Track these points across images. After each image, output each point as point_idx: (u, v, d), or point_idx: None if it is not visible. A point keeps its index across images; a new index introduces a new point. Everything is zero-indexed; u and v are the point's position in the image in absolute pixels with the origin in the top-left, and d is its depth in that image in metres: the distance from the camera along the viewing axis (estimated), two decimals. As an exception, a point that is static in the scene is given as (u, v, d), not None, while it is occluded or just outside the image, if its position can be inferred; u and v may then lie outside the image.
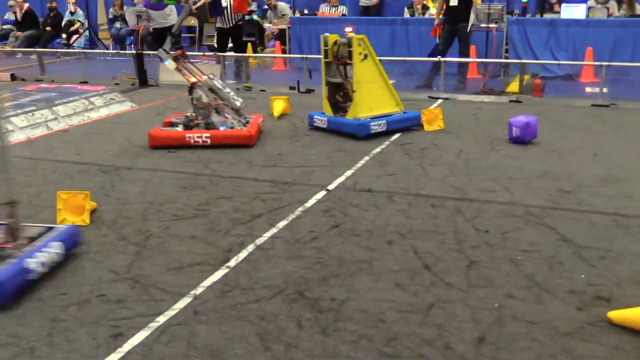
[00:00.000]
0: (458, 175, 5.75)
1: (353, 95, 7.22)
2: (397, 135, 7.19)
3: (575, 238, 4.33)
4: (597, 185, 5.44)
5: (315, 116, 7.61)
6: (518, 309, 3.45)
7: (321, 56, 7.52)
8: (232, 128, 7.04)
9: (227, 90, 7.20)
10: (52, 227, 4.14)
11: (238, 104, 7.15)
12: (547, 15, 12.40)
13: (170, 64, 7.10)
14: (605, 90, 9.01)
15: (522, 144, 6.70)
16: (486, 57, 11.18)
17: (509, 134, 6.86)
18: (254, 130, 7.03)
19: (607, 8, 12.05)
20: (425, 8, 14.02)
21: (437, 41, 10.63)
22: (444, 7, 10.49)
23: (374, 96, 7.31)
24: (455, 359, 3.01)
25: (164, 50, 7.09)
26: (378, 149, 6.66)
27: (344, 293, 3.64)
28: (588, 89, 10.18)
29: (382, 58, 10.09)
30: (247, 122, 7.20)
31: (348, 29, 7.39)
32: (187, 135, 6.91)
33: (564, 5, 12.04)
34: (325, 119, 7.50)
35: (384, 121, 7.23)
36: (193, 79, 7.06)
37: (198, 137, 6.88)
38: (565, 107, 8.71)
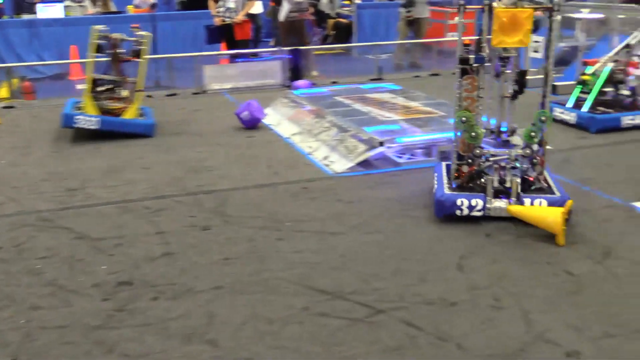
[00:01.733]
0: (-45, 195, 5.26)
1: (136, 95, 6.95)
2: None
3: (90, 232, 4.46)
4: (101, 177, 5.65)
5: (77, 117, 6.66)
6: (46, 318, 3.40)
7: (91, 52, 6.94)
8: None
9: None
10: None
11: None
12: (26, 16, 12.05)
13: None
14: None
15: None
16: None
17: (243, 122, 7.13)
18: None
19: (83, 6, 12.37)
20: None
21: None
22: None
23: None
24: (-13, 391, 2.83)
25: None
26: None
27: None
28: (79, 86, 10.34)
29: None
30: None
31: (135, 25, 7.15)
32: None
33: (39, 5, 11.90)
34: (97, 119, 6.68)
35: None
36: None
37: None
38: (61, 107, 8.68)
